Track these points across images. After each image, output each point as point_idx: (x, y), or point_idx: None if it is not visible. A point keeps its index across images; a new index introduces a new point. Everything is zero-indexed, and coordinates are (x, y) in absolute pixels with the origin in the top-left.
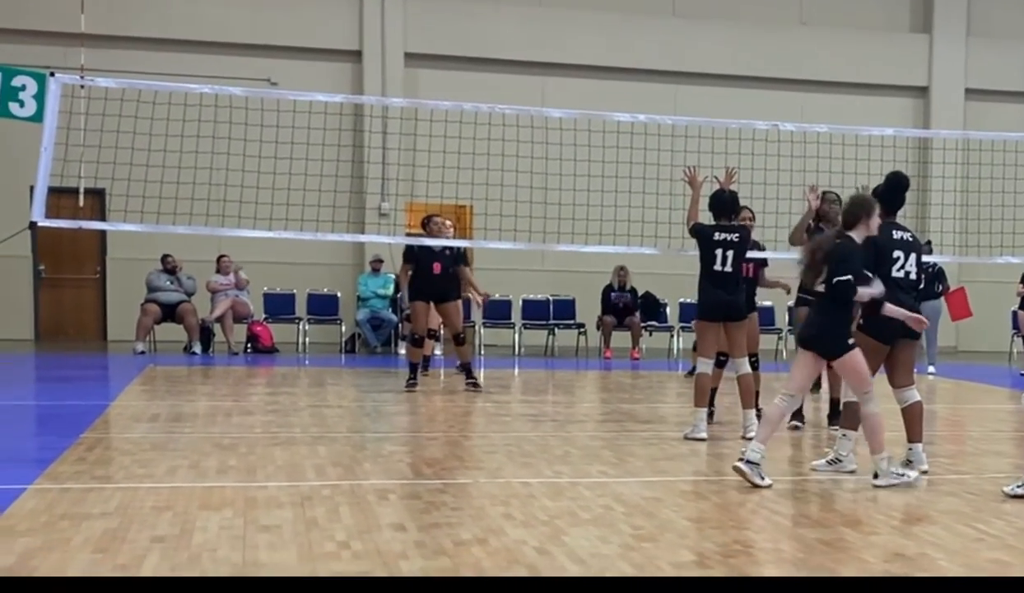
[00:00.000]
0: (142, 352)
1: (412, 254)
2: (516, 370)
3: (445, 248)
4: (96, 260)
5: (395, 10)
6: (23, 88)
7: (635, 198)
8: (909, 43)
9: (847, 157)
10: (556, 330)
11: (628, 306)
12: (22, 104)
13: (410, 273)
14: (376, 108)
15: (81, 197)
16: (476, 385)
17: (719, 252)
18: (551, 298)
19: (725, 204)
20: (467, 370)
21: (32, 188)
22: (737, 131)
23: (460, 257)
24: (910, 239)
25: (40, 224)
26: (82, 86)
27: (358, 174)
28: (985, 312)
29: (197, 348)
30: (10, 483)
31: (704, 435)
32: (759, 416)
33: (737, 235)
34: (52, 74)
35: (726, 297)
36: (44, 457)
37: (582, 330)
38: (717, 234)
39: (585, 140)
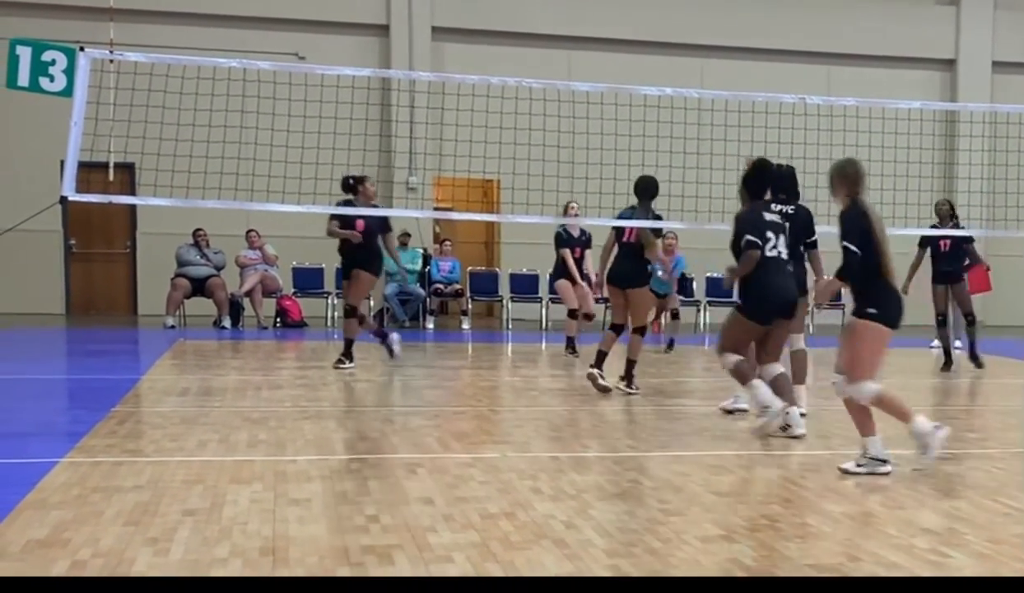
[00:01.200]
0: (172, 326)
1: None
2: (543, 344)
3: (582, 233)
4: (126, 234)
5: None
6: (53, 63)
7: (662, 172)
8: (936, 15)
9: (874, 131)
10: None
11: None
12: (52, 79)
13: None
14: (403, 82)
15: (111, 171)
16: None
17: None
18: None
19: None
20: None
21: (62, 162)
22: (764, 104)
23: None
24: (779, 221)
25: (70, 199)
26: (111, 61)
27: (386, 148)
28: (1012, 286)
29: (227, 322)
30: (42, 457)
31: (747, 406)
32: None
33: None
34: (82, 49)
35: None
36: (76, 431)
37: (608, 304)
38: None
39: (612, 114)
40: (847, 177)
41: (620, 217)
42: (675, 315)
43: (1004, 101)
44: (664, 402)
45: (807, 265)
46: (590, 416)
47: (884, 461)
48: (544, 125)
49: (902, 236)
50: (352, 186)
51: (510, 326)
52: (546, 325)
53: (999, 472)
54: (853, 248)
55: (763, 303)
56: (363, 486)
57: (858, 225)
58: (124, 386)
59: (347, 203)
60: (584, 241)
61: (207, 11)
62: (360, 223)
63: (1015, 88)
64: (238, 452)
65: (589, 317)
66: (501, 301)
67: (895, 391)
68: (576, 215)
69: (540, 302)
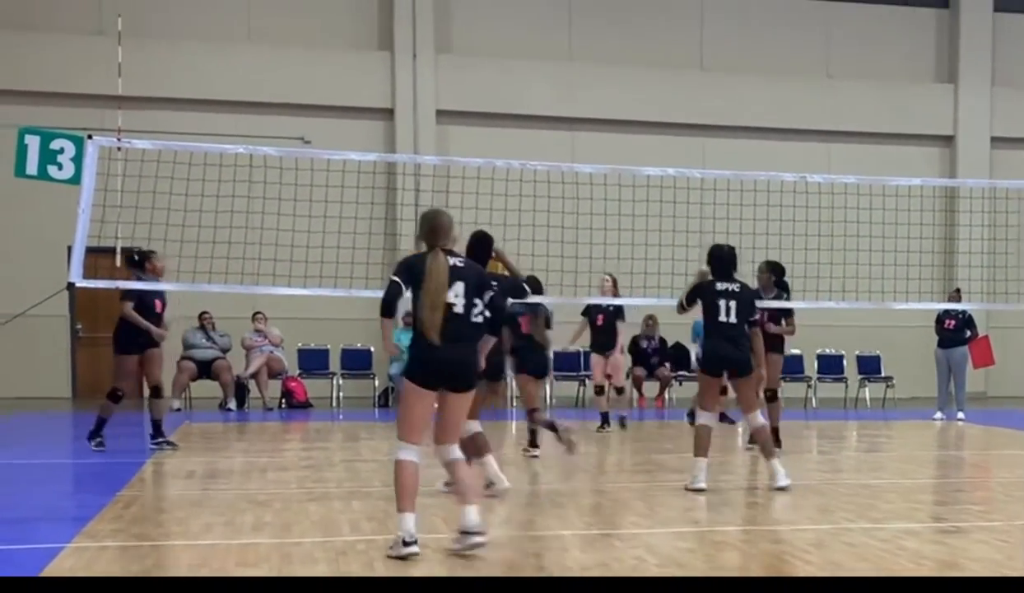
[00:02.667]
0: (178, 409)
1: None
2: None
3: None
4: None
5: (426, 68)
6: (61, 151)
7: (664, 251)
8: (935, 93)
9: (875, 207)
10: (587, 381)
11: (657, 353)
12: (60, 167)
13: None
14: (408, 165)
15: (118, 257)
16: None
17: (723, 303)
18: (582, 350)
19: (724, 260)
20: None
21: (70, 248)
22: (765, 183)
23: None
24: (735, 290)
25: (78, 285)
26: (119, 148)
27: (391, 231)
28: (1014, 358)
29: (232, 404)
30: (49, 542)
31: (703, 485)
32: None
33: (739, 287)
34: (90, 137)
35: (732, 350)
36: (82, 515)
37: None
38: (720, 285)
39: (615, 194)
40: None
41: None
42: (619, 390)
43: (1003, 176)
44: (668, 478)
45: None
46: (594, 493)
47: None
48: (548, 206)
49: (904, 311)
50: (138, 262)
51: (514, 404)
52: (551, 402)
53: (1003, 545)
54: None
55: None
56: (369, 567)
57: None
58: (130, 470)
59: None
60: (612, 311)
61: (214, 97)
62: (159, 304)
63: (1014, 163)
64: (243, 535)
65: (618, 391)
66: (505, 379)
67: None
68: (605, 291)
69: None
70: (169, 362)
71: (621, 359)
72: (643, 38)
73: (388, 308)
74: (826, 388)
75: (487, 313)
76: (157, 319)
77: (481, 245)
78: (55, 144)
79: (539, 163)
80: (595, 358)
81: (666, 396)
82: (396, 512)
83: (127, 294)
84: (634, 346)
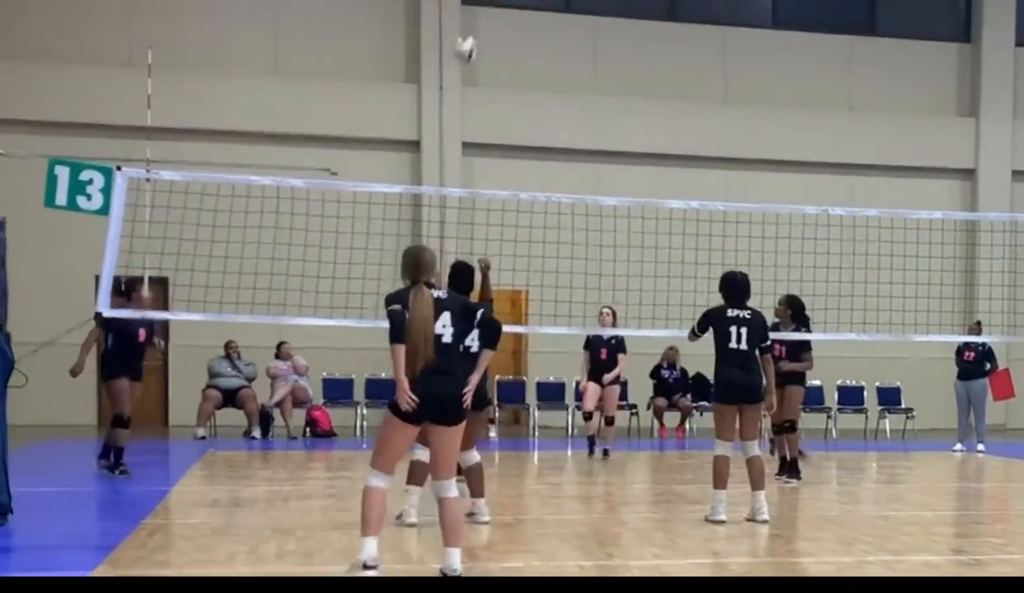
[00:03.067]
0: (203, 437)
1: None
2: (569, 452)
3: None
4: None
5: (453, 100)
6: (90, 182)
7: (687, 283)
8: (956, 127)
9: (896, 240)
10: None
11: (678, 383)
12: (89, 197)
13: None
14: (434, 197)
15: (145, 286)
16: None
17: (734, 330)
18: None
19: (737, 287)
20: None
21: (97, 278)
22: (788, 216)
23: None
24: (747, 316)
25: (105, 314)
26: (147, 179)
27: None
28: None
29: (257, 433)
30: (73, 569)
31: (723, 517)
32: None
33: (750, 313)
34: (118, 168)
35: (744, 377)
36: (106, 543)
37: (634, 411)
38: (731, 312)
39: (639, 227)
40: None
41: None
42: (609, 421)
43: None
44: (688, 509)
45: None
46: (615, 524)
47: None
48: (572, 238)
49: (925, 343)
50: (124, 292)
51: (536, 434)
52: (572, 432)
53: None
54: None
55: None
56: None
57: None
58: (154, 497)
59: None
60: (614, 344)
61: (242, 129)
62: (143, 332)
63: None
64: (267, 563)
65: (608, 421)
66: (528, 409)
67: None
68: (604, 322)
69: (567, 409)
70: (194, 390)
71: (616, 389)
72: (667, 71)
73: (398, 333)
74: (846, 419)
75: (479, 336)
76: (141, 348)
77: (462, 275)
78: (84, 175)
79: (564, 195)
80: (591, 386)
81: (687, 426)
82: (360, 536)
83: (101, 322)
84: (656, 376)
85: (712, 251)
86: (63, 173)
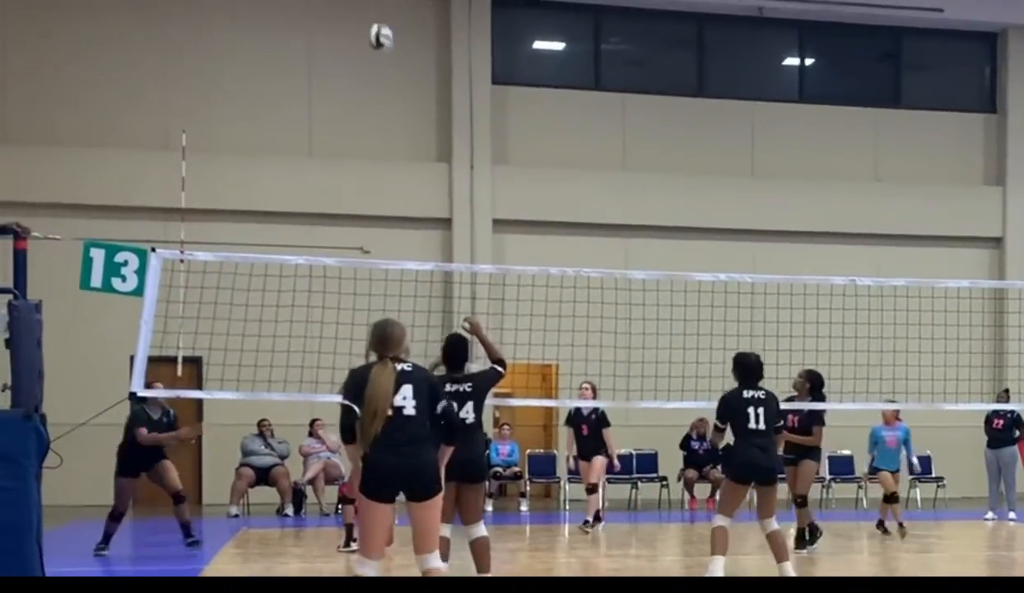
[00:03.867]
0: (236, 515)
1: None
2: (601, 524)
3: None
4: (193, 425)
5: (483, 179)
6: (125, 263)
7: (716, 354)
8: (983, 196)
9: (924, 309)
10: (639, 483)
11: (708, 454)
12: (124, 279)
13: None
14: (465, 274)
15: (179, 366)
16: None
17: (752, 411)
18: (634, 452)
19: (751, 368)
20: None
21: (132, 358)
22: (815, 287)
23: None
24: (762, 396)
25: (139, 394)
26: (181, 260)
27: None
28: None
29: (290, 510)
30: None
31: (721, 575)
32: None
33: (764, 394)
34: (153, 250)
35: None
36: None
37: (664, 483)
38: (747, 393)
39: (667, 300)
40: None
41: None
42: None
43: None
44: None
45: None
46: None
47: None
48: (602, 312)
49: (953, 412)
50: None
51: (567, 507)
52: (602, 504)
53: None
54: None
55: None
56: None
57: None
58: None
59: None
60: (595, 419)
61: (275, 209)
62: (143, 431)
63: None
64: None
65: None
66: (559, 482)
67: None
68: (584, 396)
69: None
70: (228, 469)
71: (602, 461)
72: (695, 146)
73: (347, 433)
74: (877, 488)
75: (446, 427)
76: (166, 427)
77: (455, 349)
78: (119, 257)
79: (593, 270)
80: (582, 464)
81: (717, 498)
82: None
83: (135, 422)
84: (685, 447)
85: (740, 323)
86: (98, 255)
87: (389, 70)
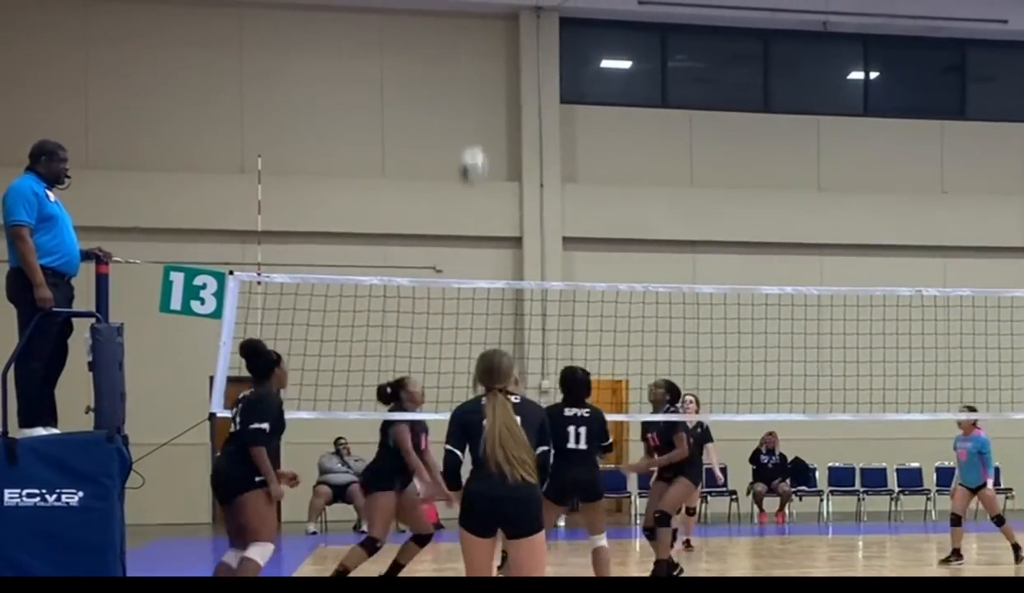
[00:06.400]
0: (313, 532)
1: None
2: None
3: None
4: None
5: (553, 197)
6: (204, 287)
7: (784, 367)
8: None
9: (990, 319)
10: (708, 498)
11: (777, 468)
12: (203, 302)
13: None
14: (535, 292)
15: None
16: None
17: (572, 429)
18: (705, 465)
19: (577, 383)
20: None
21: (211, 379)
22: (881, 298)
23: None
24: (585, 415)
25: (219, 415)
26: (258, 283)
27: (519, 355)
28: None
29: (366, 527)
30: None
31: None
32: None
33: (588, 411)
34: (231, 273)
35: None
36: None
37: (734, 497)
38: (568, 411)
39: (735, 313)
40: None
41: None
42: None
43: None
44: None
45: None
46: None
47: None
48: (670, 327)
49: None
50: (391, 394)
51: (638, 522)
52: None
53: None
54: None
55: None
56: None
57: None
58: None
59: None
60: (700, 434)
61: (349, 230)
62: (424, 439)
63: None
64: None
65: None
66: (630, 497)
67: None
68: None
69: None
70: (305, 487)
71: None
72: (761, 161)
73: (453, 479)
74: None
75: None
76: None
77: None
78: (198, 280)
79: (660, 286)
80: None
81: (786, 511)
82: None
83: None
84: (755, 461)
85: (808, 335)
86: (178, 279)
87: (459, 92)
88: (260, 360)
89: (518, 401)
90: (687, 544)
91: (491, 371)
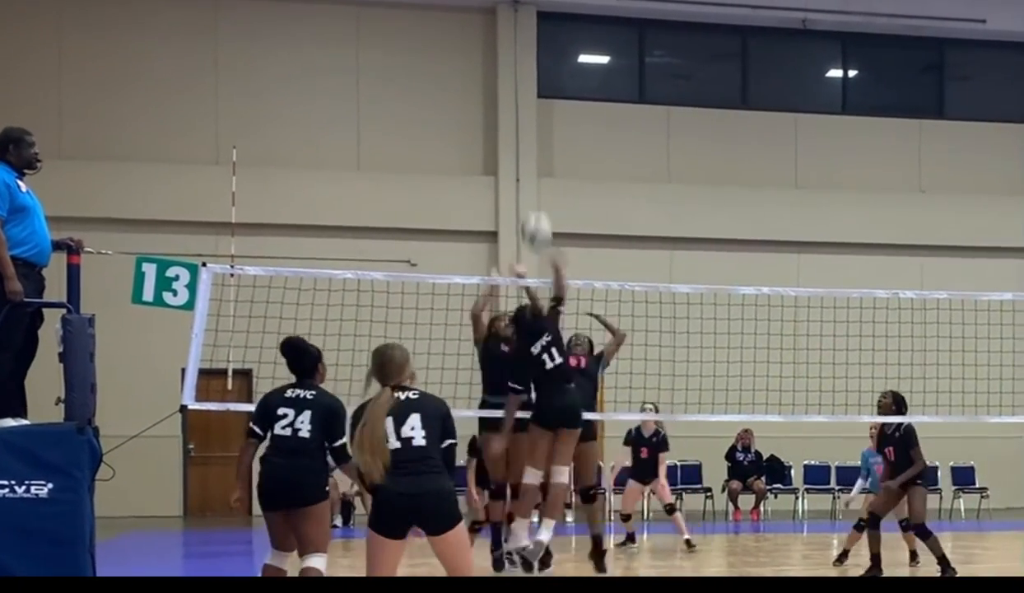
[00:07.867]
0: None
1: None
2: (645, 535)
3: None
4: (242, 438)
5: (529, 192)
6: (176, 278)
7: (759, 367)
8: None
9: (967, 322)
10: (683, 495)
11: (752, 465)
12: (175, 293)
13: None
14: (511, 288)
15: (229, 379)
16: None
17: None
18: (679, 464)
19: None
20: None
21: (183, 371)
22: (858, 300)
23: None
24: (308, 397)
25: (190, 407)
26: (232, 275)
27: None
28: None
29: (338, 521)
30: None
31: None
32: None
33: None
34: (204, 264)
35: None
36: None
37: (708, 494)
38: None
39: (711, 313)
40: None
41: None
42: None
43: None
44: None
45: None
46: None
47: None
48: (646, 325)
49: (998, 424)
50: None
51: (612, 518)
52: (648, 515)
53: None
54: None
55: None
56: None
57: None
58: None
59: None
60: (655, 443)
61: (323, 223)
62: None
63: None
64: None
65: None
66: (604, 493)
67: None
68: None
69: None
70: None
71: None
72: (739, 158)
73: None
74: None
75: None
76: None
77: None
78: (171, 271)
79: (637, 284)
80: (633, 486)
81: (761, 509)
82: None
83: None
84: (730, 458)
85: (784, 336)
86: (150, 271)
87: (436, 85)
88: (308, 357)
89: (416, 396)
90: (688, 543)
91: (383, 367)
